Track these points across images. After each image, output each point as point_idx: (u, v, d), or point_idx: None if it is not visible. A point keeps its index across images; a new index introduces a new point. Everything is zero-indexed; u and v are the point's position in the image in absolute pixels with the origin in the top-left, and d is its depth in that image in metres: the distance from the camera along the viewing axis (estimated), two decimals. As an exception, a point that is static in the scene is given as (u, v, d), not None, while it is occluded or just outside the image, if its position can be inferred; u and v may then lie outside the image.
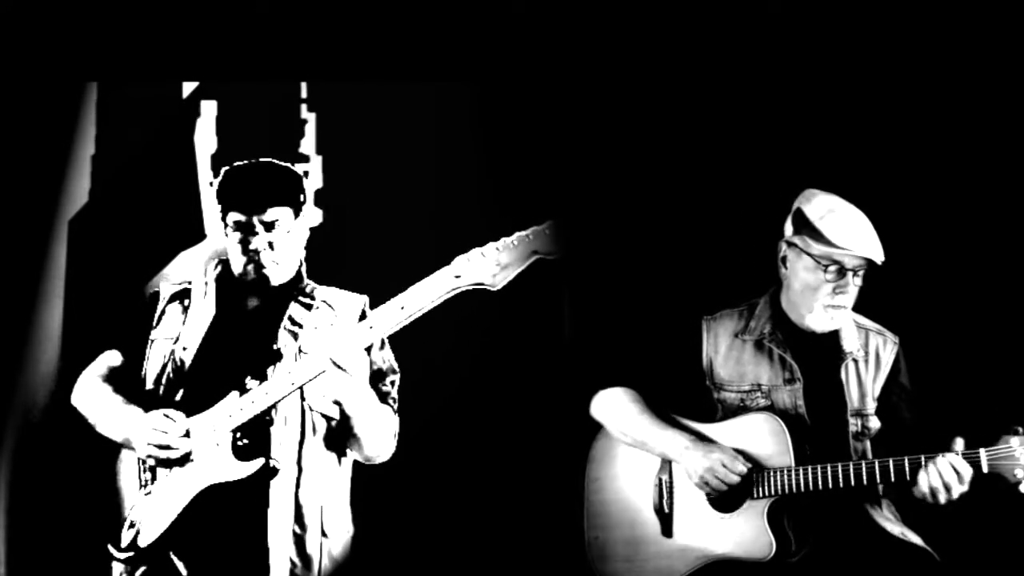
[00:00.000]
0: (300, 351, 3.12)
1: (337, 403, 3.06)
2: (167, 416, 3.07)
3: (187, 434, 3.06)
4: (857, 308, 3.19)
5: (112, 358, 3.27)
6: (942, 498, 2.89)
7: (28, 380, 3.79)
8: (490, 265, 2.93)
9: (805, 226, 3.10)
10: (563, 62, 3.83)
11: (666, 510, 3.18)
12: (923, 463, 2.90)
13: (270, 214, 3.15)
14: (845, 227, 3.06)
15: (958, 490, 2.88)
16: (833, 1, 3.75)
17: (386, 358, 3.26)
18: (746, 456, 3.07)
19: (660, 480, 3.20)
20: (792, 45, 3.77)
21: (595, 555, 3.26)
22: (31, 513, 3.74)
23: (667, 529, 3.16)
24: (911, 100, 3.77)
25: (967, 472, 2.87)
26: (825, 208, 3.10)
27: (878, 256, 3.05)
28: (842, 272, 3.07)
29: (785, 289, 3.19)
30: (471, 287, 2.96)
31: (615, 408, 3.26)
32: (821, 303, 3.10)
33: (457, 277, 2.96)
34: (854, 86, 3.79)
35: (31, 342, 3.80)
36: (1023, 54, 3.69)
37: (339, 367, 2.97)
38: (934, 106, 3.75)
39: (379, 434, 3.21)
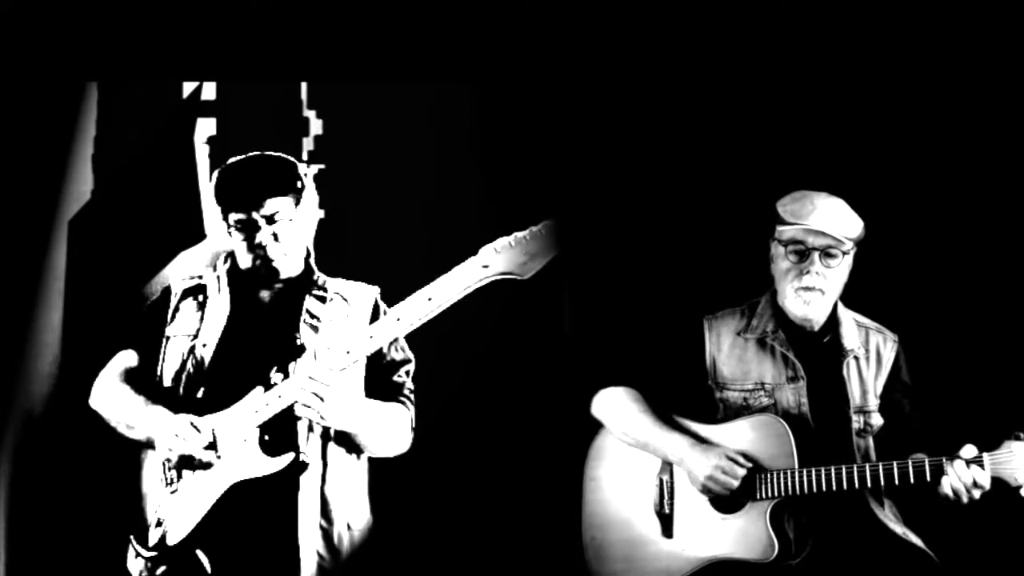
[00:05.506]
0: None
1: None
2: (193, 425, 3.06)
3: (212, 444, 3.06)
4: (856, 307, 3.21)
5: (128, 358, 3.27)
6: (964, 498, 2.91)
7: (28, 380, 3.78)
8: (519, 255, 2.94)
9: (775, 217, 3.15)
10: (563, 62, 3.83)
11: (667, 510, 3.18)
12: (926, 468, 2.91)
13: (269, 207, 3.15)
14: (806, 206, 3.10)
15: (978, 492, 2.91)
16: (833, 2, 3.76)
17: (400, 347, 3.25)
18: (747, 457, 3.08)
19: (661, 480, 3.20)
20: (793, 45, 3.77)
21: (592, 555, 3.26)
22: (31, 514, 3.73)
23: (667, 530, 3.16)
24: (909, 98, 3.77)
25: (982, 477, 2.89)
26: (794, 197, 3.15)
27: (837, 230, 3.07)
28: (805, 253, 3.09)
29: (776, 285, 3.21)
30: (500, 277, 2.96)
31: (616, 408, 3.26)
32: (792, 287, 3.12)
33: (485, 267, 2.96)
34: (854, 86, 3.79)
35: (31, 342, 3.79)
36: (1018, 53, 3.70)
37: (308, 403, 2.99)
38: (932, 104, 3.76)
39: (388, 441, 3.23)
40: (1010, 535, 3.55)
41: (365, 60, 3.82)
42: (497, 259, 2.95)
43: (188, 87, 3.90)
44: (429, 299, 3.00)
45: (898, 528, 3.13)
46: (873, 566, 3.03)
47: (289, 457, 3.04)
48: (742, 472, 3.05)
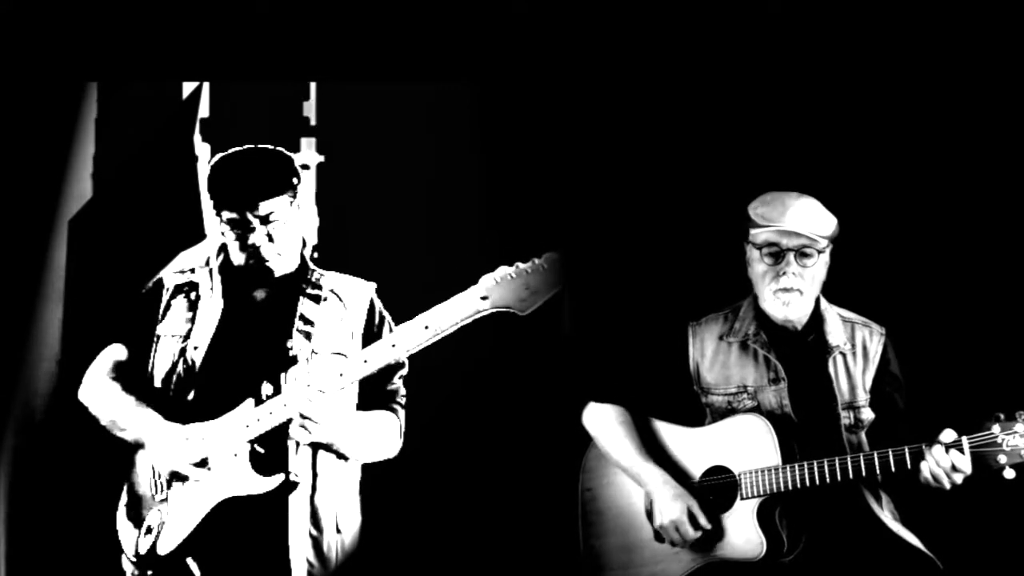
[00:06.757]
0: (313, 353, 3.12)
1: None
2: (186, 440, 3.06)
3: (203, 462, 3.05)
4: (841, 300, 3.21)
5: (118, 352, 3.25)
6: (946, 483, 2.88)
7: (28, 380, 3.79)
8: (519, 289, 2.92)
9: (747, 220, 3.14)
10: (564, 62, 3.82)
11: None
12: (906, 455, 2.90)
13: (263, 208, 3.12)
14: (777, 208, 3.10)
15: (959, 476, 2.87)
16: (829, 10, 3.75)
17: None
18: (725, 472, 3.08)
19: (650, 488, 3.19)
20: (785, 53, 3.77)
21: (591, 564, 3.26)
22: (31, 514, 3.74)
23: (659, 534, 3.15)
24: (892, 95, 3.77)
25: (961, 462, 2.86)
26: (764, 200, 3.14)
27: (809, 229, 3.07)
28: (780, 255, 3.09)
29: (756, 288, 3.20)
30: (497, 310, 2.95)
31: (602, 427, 3.25)
32: (770, 289, 3.11)
33: (484, 299, 2.95)
34: (837, 88, 3.79)
35: (31, 342, 3.80)
36: (985, 47, 3.68)
37: (308, 418, 2.99)
38: (915, 100, 3.76)
39: (375, 451, 3.22)
40: (1003, 526, 3.53)
41: (365, 60, 3.82)
42: (496, 291, 2.94)
43: (188, 87, 3.90)
44: (426, 327, 3.00)
45: (895, 526, 3.11)
46: (867, 563, 3.02)
47: (279, 478, 3.03)
48: (693, 536, 3.05)
